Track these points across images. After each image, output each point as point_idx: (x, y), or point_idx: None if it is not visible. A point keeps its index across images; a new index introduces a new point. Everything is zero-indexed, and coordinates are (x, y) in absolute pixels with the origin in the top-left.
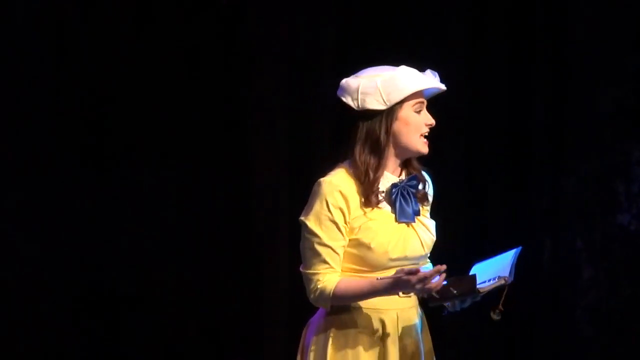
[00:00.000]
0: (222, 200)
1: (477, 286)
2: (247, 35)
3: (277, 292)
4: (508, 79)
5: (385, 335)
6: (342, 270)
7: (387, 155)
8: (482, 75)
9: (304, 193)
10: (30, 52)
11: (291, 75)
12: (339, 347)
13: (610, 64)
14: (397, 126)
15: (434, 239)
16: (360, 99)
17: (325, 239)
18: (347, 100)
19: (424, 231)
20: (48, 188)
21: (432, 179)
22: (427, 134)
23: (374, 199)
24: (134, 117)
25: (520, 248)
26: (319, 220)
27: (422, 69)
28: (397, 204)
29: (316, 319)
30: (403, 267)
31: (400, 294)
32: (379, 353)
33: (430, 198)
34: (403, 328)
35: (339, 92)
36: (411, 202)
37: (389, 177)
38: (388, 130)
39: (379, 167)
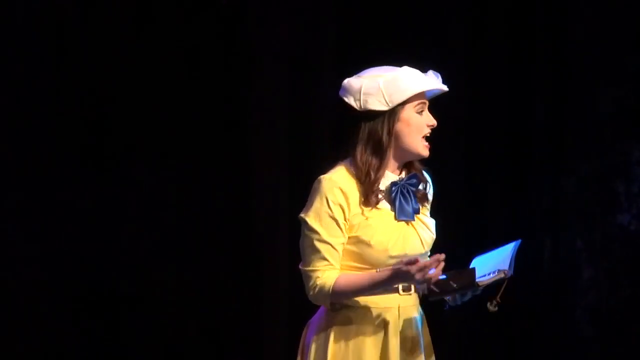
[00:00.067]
0: (222, 200)
1: (477, 280)
2: (247, 35)
3: (277, 292)
4: (508, 79)
5: (387, 331)
6: (341, 268)
7: (388, 156)
8: (482, 75)
9: (303, 193)
10: (30, 52)
11: (291, 75)
12: (340, 344)
13: (610, 64)
14: (399, 127)
15: (434, 237)
16: (363, 100)
17: (324, 235)
18: (350, 100)
19: (423, 229)
20: (48, 188)
21: (432, 179)
22: (428, 134)
23: (373, 198)
24: (134, 117)
25: (519, 241)
26: (318, 217)
27: (422, 69)
28: (397, 203)
29: (316, 319)
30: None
31: (401, 290)
32: (382, 349)
33: (430, 198)
34: (404, 322)
35: (341, 92)
36: (411, 200)
37: (389, 175)
38: (390, 131)
39: (380, 168)
